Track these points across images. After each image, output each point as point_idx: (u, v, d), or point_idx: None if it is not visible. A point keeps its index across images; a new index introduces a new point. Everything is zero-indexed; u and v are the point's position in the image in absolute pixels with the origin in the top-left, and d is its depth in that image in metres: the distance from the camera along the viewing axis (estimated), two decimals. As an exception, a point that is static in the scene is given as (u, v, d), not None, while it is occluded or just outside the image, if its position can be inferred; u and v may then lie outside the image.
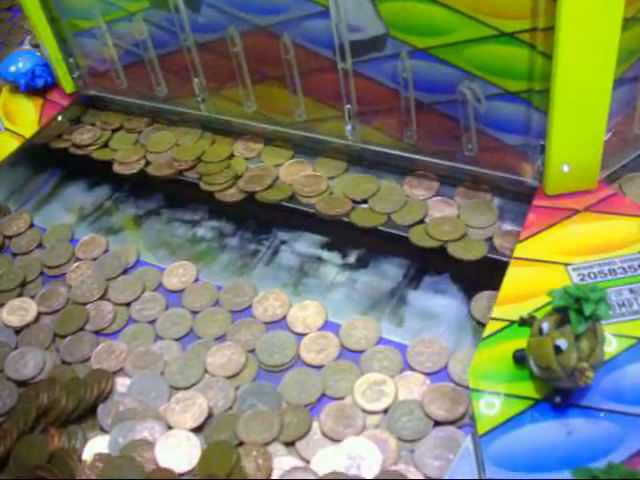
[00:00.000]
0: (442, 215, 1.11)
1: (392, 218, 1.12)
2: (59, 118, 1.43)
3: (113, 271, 1.19)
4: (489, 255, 1.04)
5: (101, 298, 1.15)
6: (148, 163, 1.33)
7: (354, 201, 1.16)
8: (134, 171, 1.32)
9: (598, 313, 0.73)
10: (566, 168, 0.98)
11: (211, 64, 1.23)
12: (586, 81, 0.90)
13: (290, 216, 1.21)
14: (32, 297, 1.17)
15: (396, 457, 0.88)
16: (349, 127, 1.15)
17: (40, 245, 1.27)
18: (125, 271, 1.19)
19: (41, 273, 1.22)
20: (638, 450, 0.74)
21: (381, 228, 1.12)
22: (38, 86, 1.45)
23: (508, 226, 1.08)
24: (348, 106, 1.12)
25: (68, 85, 1.45)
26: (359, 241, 1.17)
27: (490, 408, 0.80)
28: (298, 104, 1.18)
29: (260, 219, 1.25)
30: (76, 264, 1.21)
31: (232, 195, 1.23)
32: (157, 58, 1.29)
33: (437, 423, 0.90)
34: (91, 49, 1.38)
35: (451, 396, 0.91)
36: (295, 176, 1.23)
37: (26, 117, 1.42)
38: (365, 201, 1.16)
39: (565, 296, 0.74)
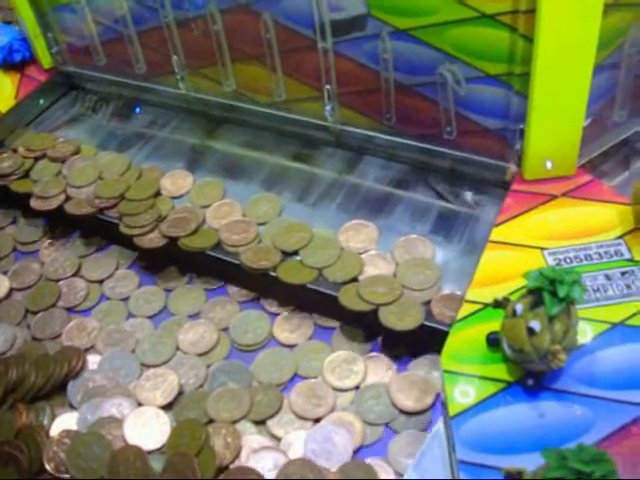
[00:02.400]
0: (377, 273, 1.01)
1: (323, 274, 1.02)
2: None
3: (86, 248, 1.19)
4: (426, 323, 0.95)
5: (74, 275, 1.14)
6: (68, 199, 1.20)
7: (284, 252, 1.05)
8: (52, 207, 1.20)
9: (572, 295, 0.73)
10: (549, 164, 0.98)
11: (190, 42, 1.22)
12: (566, 65, 0.90)
13: (213, 265, 1.11)
14: (4, 273, 1.17)
15: (361, 439, 0.88)
16: (328, 108, 1.14)
17: (14, 222, 1.26)
18: (99, 249, 1.18)
19: (14, 249, 1.22)
20: (609, 434, 0.73)
21: (310, 286, 1.02)
22: (16, 61, 1.44)
23: (450, 287, 0.99)
24: (328, 86, 1.12)
25: (46, 60, 1.43)
26: (286, 297, 1.08)
27: (465, 397, 0.79)
28: (277, 84, 1.17)
29: (181, 266, 1.16)
30: (49, 241, 1.20)
31: (152, 240, 1.10)
32: (137, 35, 1.28)
33: (404, 412, 0.90)
34: (70, 25, 1.36)
35: (420, 386, 0.91)
36: (223, 220, 1.11)
37: (3, 92, 1.41)
38: (296, 252, 1.05)
39: (540, 277, 0.74)
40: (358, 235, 1.06)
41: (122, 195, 1.16)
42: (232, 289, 1.08)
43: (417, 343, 0.97)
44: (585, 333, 0.81)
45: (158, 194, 1.18)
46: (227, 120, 1.31)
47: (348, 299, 0.97)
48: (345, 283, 0.99)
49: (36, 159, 1.29)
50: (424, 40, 0.99)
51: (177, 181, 1.20)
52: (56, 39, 1.40)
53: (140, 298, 1.09)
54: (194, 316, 1.06)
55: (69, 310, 1.10)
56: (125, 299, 1.10)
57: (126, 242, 1.15)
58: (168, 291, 1.09)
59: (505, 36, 0.93)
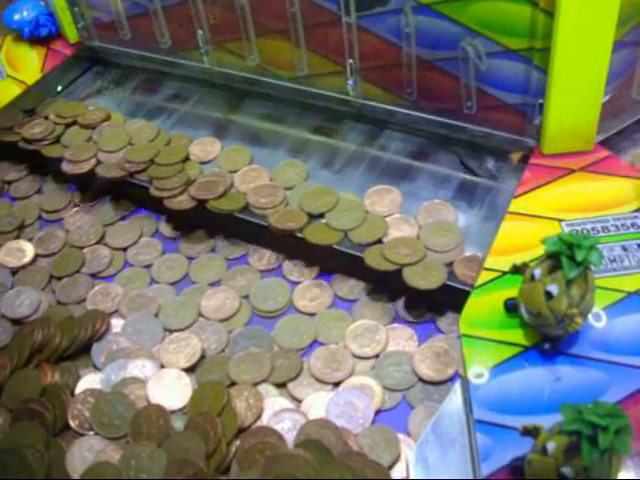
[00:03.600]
0: (401, 235, 1.03)
1: (349, 235, 1.04)
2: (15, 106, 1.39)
3: (111, 217, 1.20)
4: (448, 283, 0.97)
5: (98, 243, 1.16)
6: (99, 162, 1.22)
7: (310, 215, 1.08)
8: (83, 171, 1.22)
9: (590, 259, 0.74)
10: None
11: (215, 16, 1.23)
12: (587, 41, 0.91)
13: (241, 228, 1.14)
14: (29, 240, 1.18)
15: (381, 403, 0.90)
16: (351, 82, 1.15)
17: (39, 191, 1.28)
18: (123, 218, 1.20)
19: (39, 217, 1.23)
20: (623, 397, 0.75)
21: (336, 247, 1.04)
22: (42, 35, 1.45)
23: (472, 250, 1.01)
24: (350, 61, 1.13)
25: (72, 35, 1.45)
26: (313, 259, 1.10)
27: (483, 360, 0.81)
28: (301, 58, 1.18)
29: (210, 229, 1.18)
30: (74, 209, 1.23)
31: (182, 203, 1.13)
32: (162, 9, 1.29)
33: (423, 380, 0.92)
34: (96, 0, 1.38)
35: (443, 358, 0.92)
36: (250, 184, 1.14)
37: (29, 65, 1.43)
38: (322, 215, 1.08)
39: (558, 242, 0.75)
40: (382, 200, 1.08)
41: (152, 160, 1.19)
42: (253, 258, 1.09)
43: (439, 304, 1.00)
44: (601, 301, 0.82)
45: (187, 159, 1.20)
46: (250, 94, 1.32)
47: (373, 259, 0.99)
48: (369, 245, 1.02)
49: (67, 125, 1.31)
50: (446, 14, 1.00)
51: (205, 147, 1.23)
52: (82, 14, 1.41)
53: (163, 265, 1.11)
54: (215, 284, 1.07)
55: (93, 276, 1.12)
56: (148, 266, 1.12)
57: (155, 206, 1.19)
58: (191, 259, 1.11)
59: (526, 11, 0.94)
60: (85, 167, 1.22)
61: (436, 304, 1.00)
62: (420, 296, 0.97)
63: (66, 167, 1.23)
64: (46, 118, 1.33)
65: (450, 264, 0.99)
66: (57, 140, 1.29)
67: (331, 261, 1.06)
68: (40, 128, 1.30)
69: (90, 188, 1.27)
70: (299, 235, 1.05)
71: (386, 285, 1.03)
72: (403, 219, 1.05)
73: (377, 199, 1.08)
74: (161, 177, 1.16)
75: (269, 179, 1.15)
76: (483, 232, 1.02)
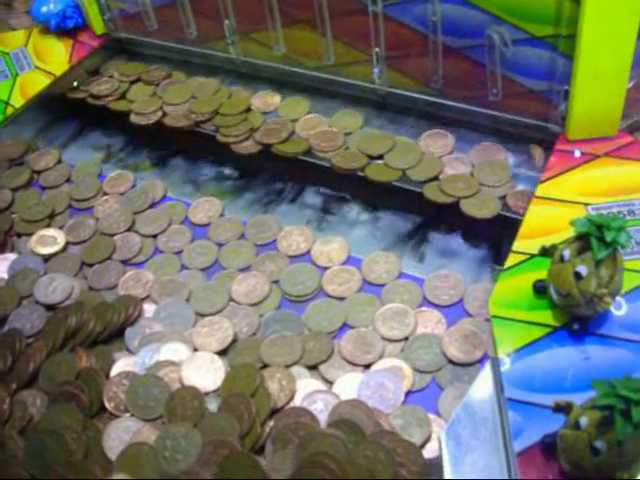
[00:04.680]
0: (456, 173, 1.11)
1: (407, 174, 1.12)
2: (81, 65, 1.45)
3: (140, 205, 1.21)
4: (502, 213, 1.05)
5: (128, 230, 1.18)
6: (165, 114, 1.33)
7: (370, 157, 1.16)
8: (151, 122, 1.32)
9: (619, 240, 0.75)
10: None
11: (242, 6, 1.25)
12: (612, 27, 0.92)
13: (305, 169, 1.22)
14: (60, 228, 1.20)
15: (411, 384, 0.91)
16: (377, 70, 1.17)
17: (68, 180, 1.30)
18: (152, 205, 1.21)
19: (69, 206, 1.25)
20: (653, 376, 0.76)
21: (395, 184, 1.12)
22: (69, 27, 1.47)
23: (522, 186, 1.08)
24: (377, 49, 1.14)
25: (98, 27, 1.47)
26: (373, 197, 1.19)
27: (512, 340, 0.82)
28: (327, 47, 1.20)
29: (274, 173, 1.27)
30: (104, 198, 1.24)
31: (248, 147, 1.23)
32: (188, 0, 1.31)
33: (451, 362, 0.93)
34: (123, -9, 1.40)
35: (471, 340, 0.93)
36: (311, 131, 1.23)
37: (56, 57, 1.45)
38: (381, 157, 1.15)
39: (587, 223, 0.77)
40: (436, 143, 1.17)
41: (216, 110, 1.29)
42: (282, 245, 1.10)
43: (494, 236, 1.07)
44: (629, 282, 0.83)
45: (249, 110, 1.30)
46: (275, 83, 1.34)
47: (432, 193, 1.09)
48: (427, 182, 1.11)
49: (131, 83, 1.42)
50: (473, 2, 1.01)
51: (265, 99, 1.32)
52: (109, 5, 1.43)
53: (193, 251, 1.12)
54: (244, 270, 1.09)
55: (124, 263, 1.13)
56: (178, 252, 1.13)
57: (220, 154, 1.30)
58: (220, 245, 1.12)
59: (552, -3, 0.95)
60: (152, 118, 1.33)
61: (492, 234, 1.07)
62: (476, 228, 1.07)
63: (134, 118, 1.34)
64: (110, 77, 1.42)
65: (503, 197, 1.06)
66: (123, 96, 1.40)
67: (390, 199, 1.16)
68: (106, 85, 1.41)
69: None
70: (360, 174, 1.14)
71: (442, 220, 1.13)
72: (457, 159, 1.14)
73: (431, 141, 1.17)
74: (226, 125, 1.26)
75: (328, 125, 1.23)
76: (531, 170, 1.09)
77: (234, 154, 1.22)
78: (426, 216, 1.13)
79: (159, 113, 1.33)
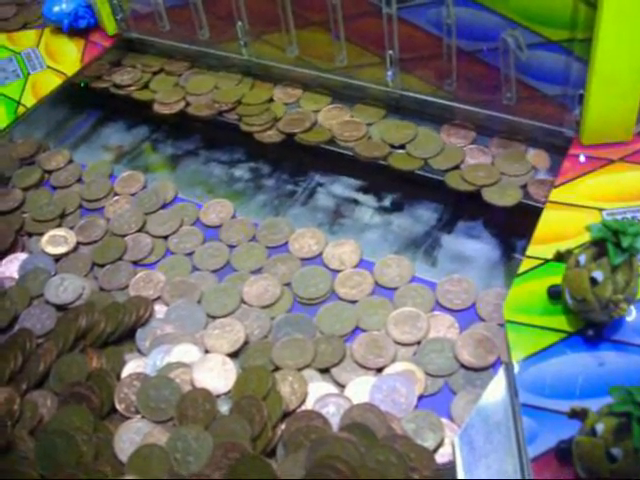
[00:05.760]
0: (477, 162, 1.13)
1: (429, 163, 1.14)
2: (102, 58, 1.46)
3: (151, 206, 1.21)
4: (523, 201, 1.06)
5: (139, 231, 1.17)
6: (188, 104, 1.35)
7: (392, 146, 1.18)
8: (174, 111, 1.35)
9: (635, 246, 0.75)
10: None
11: (255, 8, 1.25)
12: (629, 31, 0.92)
13: (327, 159, 1.24)
14: (71, 228, 1.19)
15: (423, 389, 0.91)
16: (390, 73, 1.17)
17: (79, 180, 1.29)
18: (163, 206, 1.21)
19: (80, 206, 1.24)
20: (667, 383, 0.76)
21: (418, 172, 1.15)
22: (81, 27, 1.47)
23: (542, 176, 1.09)
24: (390, 52, 1.14)
25: (110, 27, 1.46)
26: (395, 185, 1.20)
27: (527, 345, 0.82)
28: (340, 50, 1.20)
29: (297, 161, 1.28)
30: (115, 198, 1.24)
31: (271, 136, 1.26)
32: (201, 1, 1.30)
33: (463, 367, 0.92)
34: (135, -9, 1.40)
35: (484, 345, 0.93)
36: (333, 121, 1.25)
37: (68, 57, 1.45)
38: (403, 146, 1.18)
39: (603, 229, 0.76)
40: (458, 133, 1.19)
41: (239, 100, 1.32)
42: (294, 247, 1.10)
43: (515, 224, 1.09)
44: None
45: (271, 100, 1.32)
46: (288, 85, 1.34)
47: (454, 181, 1.12)
48: (448, 170, 1.13)
49: (154, 73, 1.45)
50: (487, 6, 1.01)
51: (287, 90, 1.34)
52: (121, 6, 1.43)
53: (204, 252, 1.12)
54: (256, 272, 1.08)
55: (135, 263, 1.13)
56: (189, 254, 1.12)
57: (242, 144, 1.33)
58: (231, 247, 1.12)
59: (568, 2, 0.95)
60: (175, 107, 1.36)
61: (512, 223, 1.10)
62: (497, 217, 1.11)
63: (158, 107, 1.37)
64: (133, 67, 1.47)
65: (524, 186, 1.08)
66: (146, 86, 1.42)
67: (412, 187, 1.19)
68: (129, 75, 1.44)
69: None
70: (383, 163, 1.17)
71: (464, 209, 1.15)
72: (478, 149, 1.16)
73: (454, 132, 1.19)
74: (250, 114, 1.29)
75: (350, 116, 1.26)
76: (551, 161, 1.11)
77: (257, 145, 1.25)
78: (446, 210, 1.16)
79: (182, 103, 1.36)
